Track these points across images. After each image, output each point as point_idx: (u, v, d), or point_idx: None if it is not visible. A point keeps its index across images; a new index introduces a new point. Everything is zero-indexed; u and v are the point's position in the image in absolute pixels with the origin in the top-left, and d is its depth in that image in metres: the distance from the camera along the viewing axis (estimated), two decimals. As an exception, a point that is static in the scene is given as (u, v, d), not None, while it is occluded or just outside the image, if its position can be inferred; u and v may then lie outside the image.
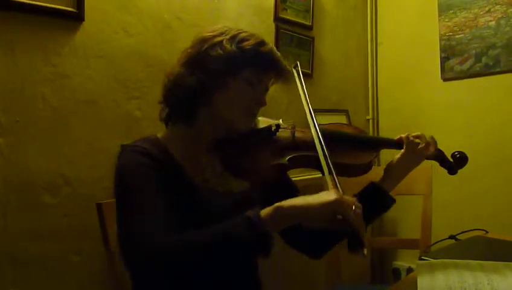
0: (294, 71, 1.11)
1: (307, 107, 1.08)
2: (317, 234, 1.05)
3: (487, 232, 1.34)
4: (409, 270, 2.32)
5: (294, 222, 0.85)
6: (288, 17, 2.11)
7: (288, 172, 1.13)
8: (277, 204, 0.84)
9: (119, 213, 0.92)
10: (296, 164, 1.03)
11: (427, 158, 1.18)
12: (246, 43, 1.00)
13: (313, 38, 2.24)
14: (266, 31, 2.04)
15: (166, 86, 1.04)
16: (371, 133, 2.54)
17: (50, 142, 1.35)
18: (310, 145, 1.02)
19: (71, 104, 1.39)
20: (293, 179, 1.84)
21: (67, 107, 1.39)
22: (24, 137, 1.29)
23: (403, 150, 1.14)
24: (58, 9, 1.36)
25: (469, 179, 2.20)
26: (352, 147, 1.12)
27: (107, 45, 1.49)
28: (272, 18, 2.06)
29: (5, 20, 1.26)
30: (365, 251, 0.81)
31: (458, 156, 1.19)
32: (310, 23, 2.23)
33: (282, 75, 1.07)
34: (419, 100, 2.41)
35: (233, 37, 1.01)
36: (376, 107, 2.61)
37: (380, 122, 2.60)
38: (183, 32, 1.68)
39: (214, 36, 1.01)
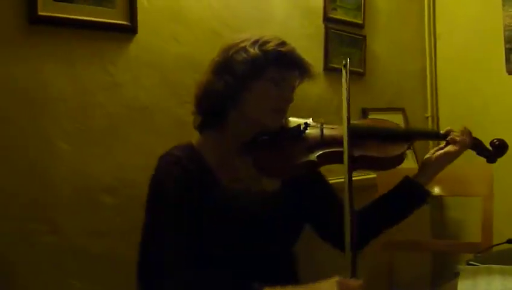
0: (343, 69, 1.10)
1: (346, 106, 1.07)
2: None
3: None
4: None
5: None
6: (338, 17, 2.09)
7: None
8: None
9: (145, 225, 1.05)
10: (325, 160, 1.06)
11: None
12: (267, 45, 1.07)
13: (365, 36, 2.20)
14: (315, 32, 2.04)
15: (198, 95, 1.11)
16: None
17: (107, 147, 1.45)
18: (338, 141, 1.04)
19: (126, 111, 1.49)
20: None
21: (122, 114, 1.49)
22: (84, 142, 1.41)
23: (445, 145, 1.15)
24: (114, 23, 1.46)
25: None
26: (381, 140, 1.13)
27: (159, 54, 1.57)
28: (321, 19, 2.05)
29: (66, 36, 1.38)
30: None
31: (497, 143, 1.17)
32: (362, 21, 2.19)
33: (306, 71, 1.12)
34: (483, 95, 2.28)
35: (255, 41, 1.08)
36: (435, 104, 2.50)
37: (440, 119, 2.49)
38: (231, 38, 1.73)
39: (238, 43, 1.09)
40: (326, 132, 1.13)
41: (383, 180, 1.76)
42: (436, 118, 2.49)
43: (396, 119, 2.25)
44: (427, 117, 2.48)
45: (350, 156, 0.97)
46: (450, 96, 2.46)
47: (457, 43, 2.41)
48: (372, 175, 1.93)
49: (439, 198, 2.39)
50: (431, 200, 2.15)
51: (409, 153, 2.31)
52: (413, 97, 2.47)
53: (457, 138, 1.12)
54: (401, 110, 2.35)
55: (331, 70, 2.06)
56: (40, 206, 1.32)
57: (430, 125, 2.46)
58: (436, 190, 1.82)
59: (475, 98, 2.30)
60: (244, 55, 1.06)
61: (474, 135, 1.24)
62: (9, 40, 1.28)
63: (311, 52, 2.03)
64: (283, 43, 1.09)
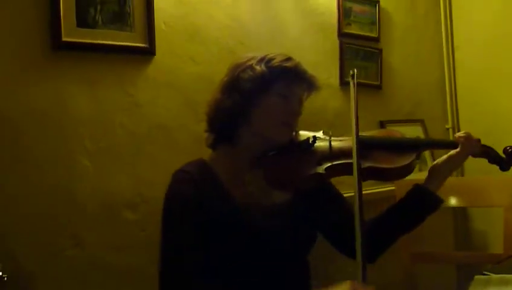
0: (351, 80, 1.13)
1: (355, 117, 1.09)
2: (368, 237, 1.08)
3: None
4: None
5: None
6: (352, 32, 2.12)
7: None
8: None
9: (162, 240, 1.08)
10: (333, 172, 1.09)
11: (474, 156, 1.18)
12: (273, 61, 1.11)
13: (381, 49, 2.22)
14: (330, 47, 2.07)
15: (209, 114, 1.16)
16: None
17: (128, 165, 1.51)
18: (346, 153, 1.07)
19: (145, 129, 1.55)
20: (366, 192, 1.86)
21: (142, 132, 1.54)
22: (106, 160, 1.47)
23: (455, 150, 1.15)
24: (133, 46, 1.53)
25: None
26: (389, 150, 1.14)
27: (176, 74, 1.63)
28: (335, 34, 2.08)
29: (88, 60, 1.45)
30: None
31: (510, 150, 1.14)
32: (377, 35, 2.21)
33: (312, 84, 1.16)
34: (505, 105, 2.25)
35: (261, 59, 1.12)
36: (456, 115, 2.48)
37: (461, 131, 2.45)
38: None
39: (245, 62, 1.14)
40: (334, 144, 1.16)
41: (402, 192, 1.75)
42: (457, 129, 2.46)
43: (415, 131, 2.25)
44: (448, 128, 2.46)
45: (358, 168, 0.99)
46: (471, 107, 2.44)
47: (476, 54, 2.40)
48: (391, 187, 1.92)
49: (461, 209, 2.35)
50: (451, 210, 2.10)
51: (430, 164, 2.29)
52: (433, 108, 2.46)
53: (461, 139, 1.14)
54: (420, 121, 2.34)
55: (346, 84, 2.08)
56: (64, 221, 1.38)
57: (450, 137, 2.43)
58: (457, 201, 1.81)
59: (496, 109, 2.27)
60: (251, 72, 1.11)
61: (497, 146, 1.23)
62: (35, 66, 1.36)
63: (327, 67, 2.06)
64: (288, 59, 1.13)
